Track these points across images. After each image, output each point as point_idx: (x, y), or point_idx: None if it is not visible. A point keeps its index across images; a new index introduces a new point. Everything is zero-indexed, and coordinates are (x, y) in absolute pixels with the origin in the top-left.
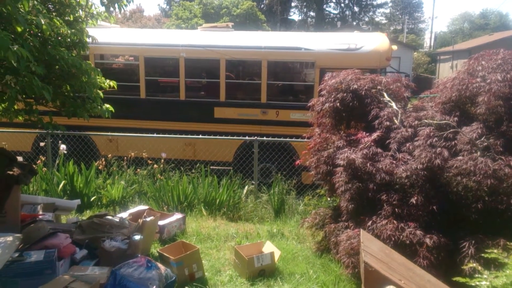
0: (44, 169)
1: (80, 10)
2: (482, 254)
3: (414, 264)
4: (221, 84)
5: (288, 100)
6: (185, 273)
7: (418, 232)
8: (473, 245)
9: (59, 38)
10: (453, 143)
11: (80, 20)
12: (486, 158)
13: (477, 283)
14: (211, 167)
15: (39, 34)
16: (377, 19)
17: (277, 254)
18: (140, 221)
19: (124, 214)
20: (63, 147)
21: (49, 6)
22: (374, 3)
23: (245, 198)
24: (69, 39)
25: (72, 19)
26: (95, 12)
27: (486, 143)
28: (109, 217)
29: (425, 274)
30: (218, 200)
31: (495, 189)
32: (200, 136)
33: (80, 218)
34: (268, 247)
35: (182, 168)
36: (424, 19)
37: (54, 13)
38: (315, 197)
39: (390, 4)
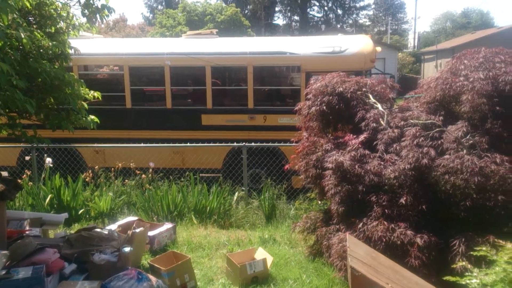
0: (30, 183)
1: (61, 22)
2: (472, 252)
3: (401, 267)
4: (208, 91)
5: (275, 104)
6: (177, 284)
7: (408, 232)
8: (463, 243)
9: (41, 50)
10: (439, 142)
11: (61, 31)
12: (472, 156)
13: (468, 281)
14: (201, 174)
15: (20, 47)
16: (360, 21)
17: (270, 260)
18: (129, 232)
19: (113, 226)
20: (48, 160)
21: (30, 18)
22: (357, 5)
23: (235, 204)
24: (51, 51)
25: (53, 30)
26: (76, 23)
27: (471, 141)
28: (98, 229)
29: (412, 276)
30: (208, 208)
31: (483, 186)
32: (188, 144)
33: (68, 232)
34: (260, 254)
35: (171, 177)
36: (407, 19)
37: (34, 26)
38: (305, 201)
39: (373, 6)
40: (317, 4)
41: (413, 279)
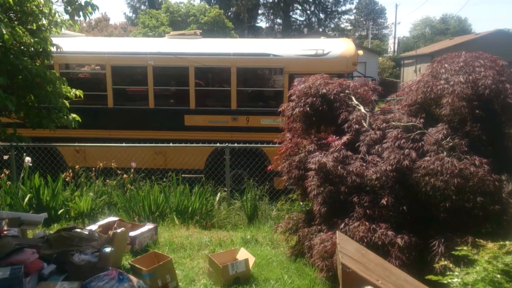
0: (8, 183)
1: (43, 18)
2: (452, 252)
3: (390, 264)
4: (191, 91)
5: (258, 106)
6: (159, 284)
7: (389, 232)
8: (442, 244)
9: (22, 47)
10: (420, 144)
11: (43, 28)
12: (452, 158)
13: (450, 280)
14: (183, 175)
15: (1, 43)
16: (342, 26)
17: (252, 260)
18: (110, 233)
19: (94, 227)
20: (28, 159)
21: (11, 14)
22: (339, 10)
23: (217, 205)
24: (32, 48)
25: (35, 27)
26: (59, 20)
27: (451, 143)
28: (78, 230)
29: (401, 274)
30: (190, 209)
31: (462, 187)
32: (171, 144)
33: (47, 232)
34: (243, 254)
35: (153, 177)
36: (387, 25)
37: (16, 22)
38: (288, 202)
39: (354, 11)
40: (300, 8)
41: (402, 276)
